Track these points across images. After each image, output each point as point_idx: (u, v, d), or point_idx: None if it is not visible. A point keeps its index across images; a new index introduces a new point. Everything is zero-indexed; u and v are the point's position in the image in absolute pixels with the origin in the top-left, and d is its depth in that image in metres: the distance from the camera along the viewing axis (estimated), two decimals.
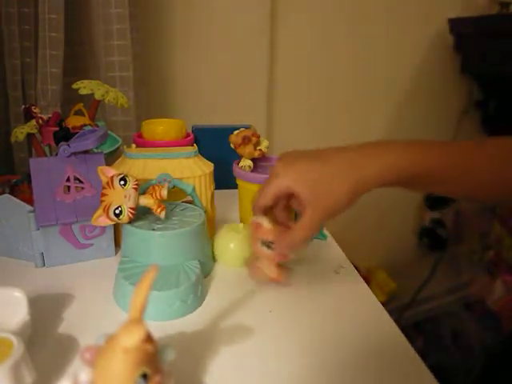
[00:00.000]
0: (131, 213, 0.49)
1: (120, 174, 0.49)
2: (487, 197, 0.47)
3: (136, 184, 0.49)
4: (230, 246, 0.57)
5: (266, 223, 0.45)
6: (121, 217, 0.49)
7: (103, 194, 0.49)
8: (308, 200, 0.41)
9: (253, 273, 0.48)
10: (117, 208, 0.48)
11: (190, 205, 0.57)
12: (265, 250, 0.46)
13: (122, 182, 0.48)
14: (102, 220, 0.49)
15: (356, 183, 0.40)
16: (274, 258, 0.46)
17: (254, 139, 0.60)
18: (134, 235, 0.50)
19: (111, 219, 0.49)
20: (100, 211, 0.49)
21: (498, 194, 0.46)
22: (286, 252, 0.45)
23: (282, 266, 0.47)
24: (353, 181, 0.39)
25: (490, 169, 0.42)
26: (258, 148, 0.61)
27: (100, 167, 0.50)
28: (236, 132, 0.61)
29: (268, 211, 0.46)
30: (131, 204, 0.49)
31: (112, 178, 0.49)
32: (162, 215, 0.50)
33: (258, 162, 0.63)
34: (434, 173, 0.41)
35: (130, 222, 0.51)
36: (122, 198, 0.48)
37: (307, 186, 0.41)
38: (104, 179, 0.49)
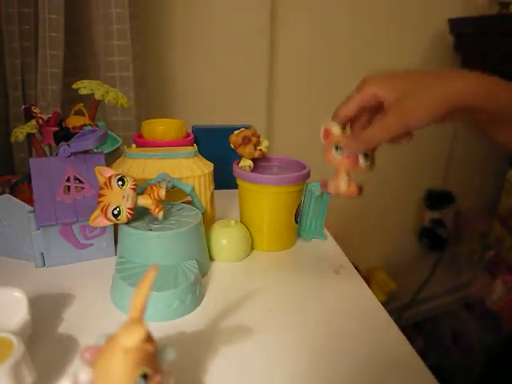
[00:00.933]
0: (129, 213, 0.49)
1: (118, 175, 0.49)
2: None
3: (134, 184, 0.49)
4: (223, 242, 0.57)
5: (336, 128, 0.43)
6: (119, 217, 0.49)
7: (101, 195, 0.49)
8: (392, 105, 0.40)
9: (327, 185, 0.46)
10: (115, 208, 0.48)
11: (186, 205, 0.58)
12: (339, 155, 0.43)
13: (120, 183, 0.48)
14: (100, 220, 0.49)
15: (444, 96, 0.38)
16: (347, 165, 0.44)
17: (254, 139, 0.60)
18: (131, 236, 0.50)
19: (109, 220, 0.49)
20: (98, 212, 0.49)
21: None
22: (359, 150, 0.43)
23: (355, 182, 0.45)
24: (440, 95, 0.38)
25: None
26: (258, 148, 0.61)
27: (97, 167, 0.49)
28: (236, 132, 0.61)
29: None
30: (129, 204, 0.48)
31: (110, 178, 0.48)
32: (160, 215, 0.50)
33: (258, 162, 0.63)
34: (505, 105, 0.39)
35: (128, 222, 0.51)
36: (120, 199, 0.48)
37: (394, 91, 0.40)
38: (102, 179, 0.49)
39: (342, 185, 0.45)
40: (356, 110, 0.43)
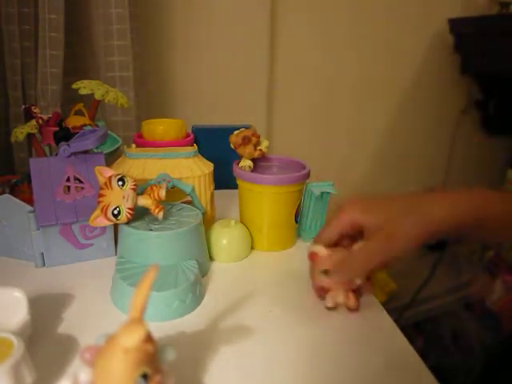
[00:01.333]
0: (129, 213, 0.49)
1: (118, 175, 0.49)
2: None
3: (134, 184, 0.49)
4: (223, 242, 0.57)
5: (321, 250, 0.44)
6: (119, 217, 0.49)
7: (101, 195, 0.49)
8: (373, 229, 0.39)
9: (325, 298, 0.46)
10: (115, 208, 0.48)
11: (186, 205, 0.58)
12: (326, 279, 0.44)
13: (120, 183, 0.48)
14: (100, 220, 0.49)
15: (427, 223, 0.38)
16: (342, 284, 0.44)
17: (254, 139, 0.60)
18: (131, 236, 0.50)
19: (109, 220, 0.49)
20: (98, 212, 0.49)
21: None
22: (346, 279, 0.44)
23: (353, 294, 0.45)
24: (423, 220, 0.38)
25: None
26: (258, 148, 0.61)
27: (97, 168, 0.49)
28: (236, 132, 0.61)
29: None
30: (129, 204, 0.48)
31: (110, 178, 0.48)
32: (160, 216, 0.50)
33: (258, 162, 0.63)
34: (497, 218, 0.39)
35: (128, 222, 0.51)
36: (121, 199, 0.48)
37: (375, 216, 0.40)
38: (102, 180, 0.49)
39: (341, 299, 0.46)
40: (337, 236, 0.44)
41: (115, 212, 0.48)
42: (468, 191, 0.40)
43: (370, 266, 0.40)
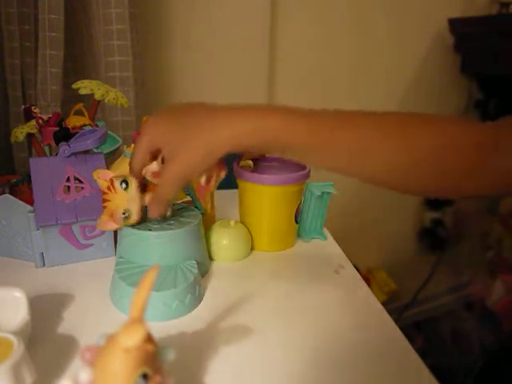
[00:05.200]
0: (138, 214, 0.48)
1: (119, 177, 0.47)
2: (392, 181, 0.44)
3: (139, 183, 0.48)
4: (223, 242, 0.57)
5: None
6: (129, 220, 0.47)
7: (105, 200, 0.47)
8: (166, 159, 0.43)
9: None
10: (124, 212, 0.47)
11: (186, 205, 0.57)
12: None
13: (124, 185, 0.47)
14: (109, 225, 0.48)
15: (210, 146, 0.40)
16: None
17: None
18: (131, 236, 0.50)
19: (119, 223, 0.47)
20: (106, 217, 0.47)
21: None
22: (162, 207, 0.46)
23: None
24: (207, 144, 0.40)
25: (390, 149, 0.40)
26: None
27: (95, 172, 0.48)
28: None
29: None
30: (137, 206, 0.47)
31: (112, 181, 0.47)
32: (169, 213, 0.50)
33: (258, 162, 0.63)
34: (296, 146, 0.41)
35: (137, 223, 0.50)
36: (127, 201, 0.47)
37: (167, 142, 0.42)
38: (103, 183, 0.47)
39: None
40: (145, 160, 0.45)
41: (125, 215, 0.47)
42: (271, 110, 0.42)
43: (175, 188, 0.43)
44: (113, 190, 0.47)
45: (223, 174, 0.48)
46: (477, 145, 0.41)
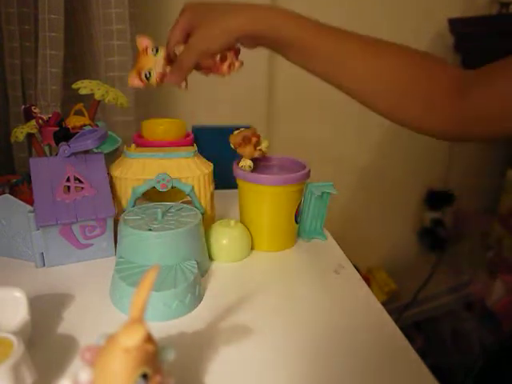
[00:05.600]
0: (159, 78, 0.52)
1: (154, 45, 0.53)
2: (361, 92, 0.51)
3: (166, 55, 0.53)
4: (223, 242, 0.57)
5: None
6: (149, 80, 0.52)
7: (138, 61, 0.53)
8: (191, 34, 0.50)
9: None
10: (147, 73, 0.52)
11: (186, 205, 0.57)
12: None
13: (155, 51, 0.53)
14: (136, 82, 0.53)
15: (227, 25, 0.48)
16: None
17: (253, 139, 0.60)
18: (131, 236, 0.50)
19: (142, 81, 0.53)
20: (134, 72, 0.53)
21: (370, 92, 0.50)
22: (176, 77, 0.52)
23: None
24: (225, 23, 0.48)
25: (363, 61, 0.48)
26: (258, 148, 0.61)
27: (138, 37, 0.54)
28: (236, 132, 0.61)
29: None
30: (159, 70, 0.52)
31: (147, 47, 0.53)
32: (184, 85, 0.53)
33: (258, 162, 0.63)
34: (304, 44, 0.49)
35: (157, 85, 0.53)
36: (152, 64, 0.52)
37: (198, 18, 0.50)
38: (140, 47, 0.54)
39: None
40: (181, 35, 0.52)
41: (146, 76, 0.52)
42: (272, 9, 0.49)
43: (195, 58, 0.50)
44: (144, 53, 0.53)
45: (238, 65, 0.54)
46: (447, 78, 0.47)
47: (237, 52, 0.54)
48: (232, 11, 0.49)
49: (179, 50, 0.52)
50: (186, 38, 0.51)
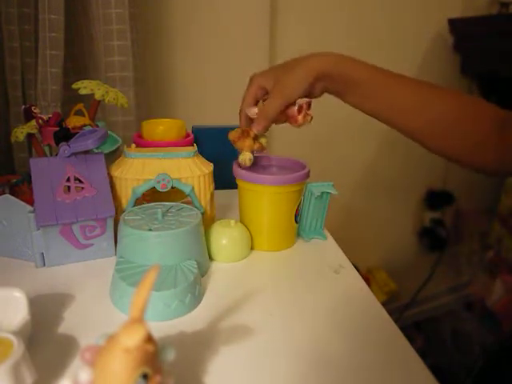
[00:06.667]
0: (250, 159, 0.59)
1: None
2: (409, 128, 0.56)
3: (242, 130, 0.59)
4: (223, 242, 0.57)
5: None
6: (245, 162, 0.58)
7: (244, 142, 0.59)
8: (273, 86, 0.55)
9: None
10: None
11: (186, 205, 0.57)
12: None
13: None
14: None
15: (302, 72, 0.54)
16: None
17: (252, 133, 0.59)
18: (131, 236, 0.50)
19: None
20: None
21: (418, 127, 0.55)
22: (267, 124, 0.57)
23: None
24: (301, 69, 0.54)
25: (412, 97, 0.54)
26: (258, 141, 0.60)
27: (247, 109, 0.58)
28: (235, 129, 0.61)
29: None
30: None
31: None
32: (264, 141, 0.60)
33: (258, 162, 0.63)
34: (358, 82, 0.54)
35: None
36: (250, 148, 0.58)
37: (273, 78, 0.55)
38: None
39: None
40: (253, 103, 0.58)
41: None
42: (335, 54, 0.55)
43: (277, 108, 0.55)
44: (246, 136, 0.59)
45: (310, 116, 0.58)
46: (489, 119, 0.52)
47: (309, 104, 0.58)
48: (303, 60, 0.54)
49: (251, 112, 0.57)
50: (256, 103, 0.58)
